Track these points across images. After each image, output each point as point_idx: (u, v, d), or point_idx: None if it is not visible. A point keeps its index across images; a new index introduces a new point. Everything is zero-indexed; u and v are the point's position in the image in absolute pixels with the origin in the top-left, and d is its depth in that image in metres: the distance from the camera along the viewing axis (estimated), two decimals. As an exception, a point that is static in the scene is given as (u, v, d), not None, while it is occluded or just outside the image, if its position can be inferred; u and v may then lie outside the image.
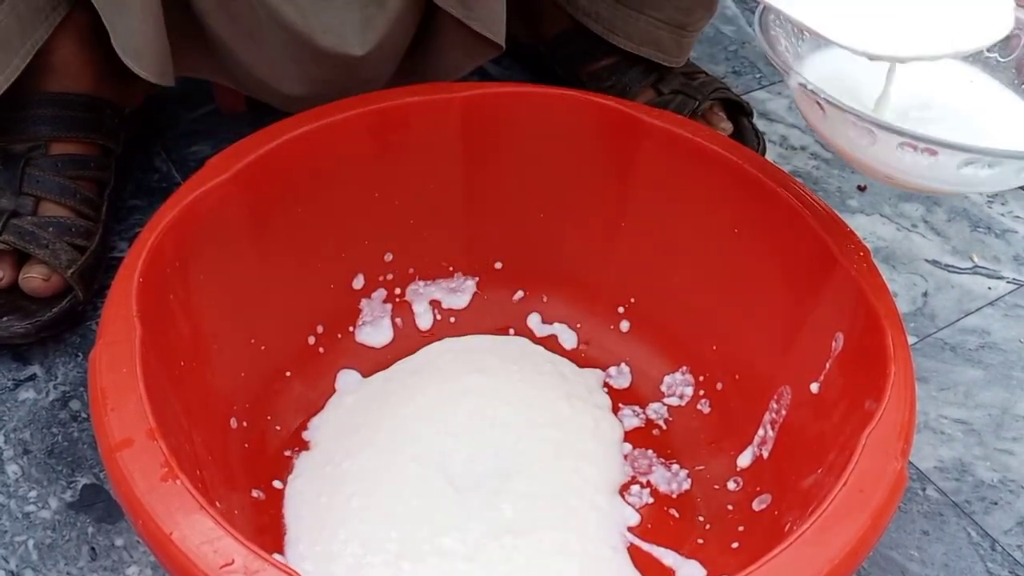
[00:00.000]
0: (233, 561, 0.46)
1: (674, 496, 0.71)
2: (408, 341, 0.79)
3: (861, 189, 0.99)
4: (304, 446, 0.72)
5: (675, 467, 0.72)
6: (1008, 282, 0.92)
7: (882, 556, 0.70)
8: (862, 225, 0.96)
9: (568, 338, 0.81)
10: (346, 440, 0.72)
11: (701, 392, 0.75)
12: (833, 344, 0.63)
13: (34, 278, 0.78)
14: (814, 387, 0.65)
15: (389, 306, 0.79)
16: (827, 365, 0.64)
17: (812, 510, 0.53)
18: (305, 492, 0.68)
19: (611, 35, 0.93)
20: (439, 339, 0.79)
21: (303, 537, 0.66)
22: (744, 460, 0.70)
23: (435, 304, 0.80)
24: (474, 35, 0.82)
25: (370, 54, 0.79)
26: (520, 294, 0.82)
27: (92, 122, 0.84)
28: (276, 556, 0.53)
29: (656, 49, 0.92)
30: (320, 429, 0.73)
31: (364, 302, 0.78)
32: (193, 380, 0.64)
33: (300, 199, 0.71)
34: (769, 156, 1.01)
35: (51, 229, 0.78)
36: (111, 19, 0.76)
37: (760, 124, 1.04)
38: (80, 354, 0.79)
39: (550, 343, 0.80)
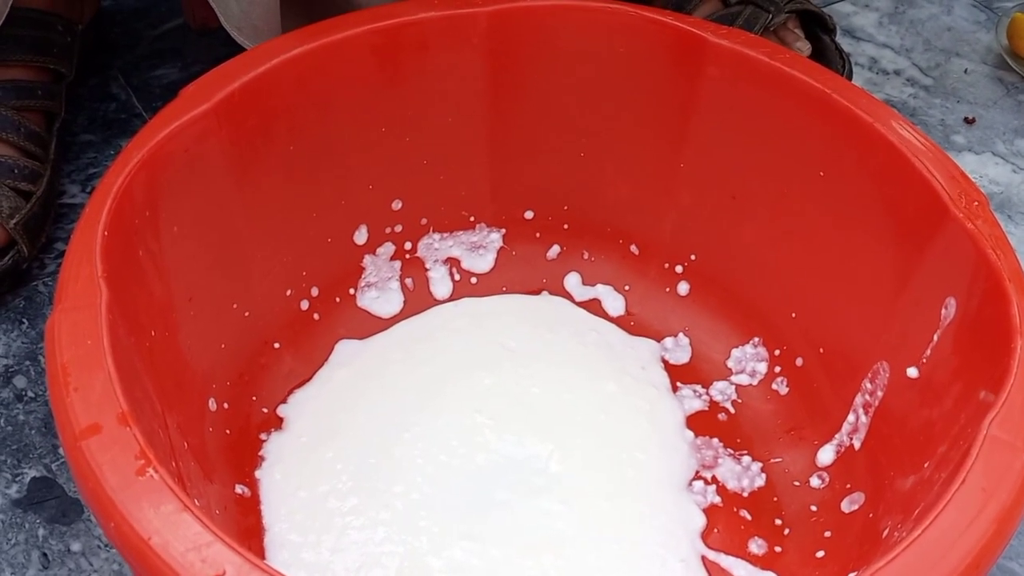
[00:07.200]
0: (225, 572, 0.46)
1: (745, 495, 0.71)
2: (420, 309, 0.79)
3: (969, 122, 0.99)
4: (278, 425, 0.72)
5: (746, 459, 0.72)
6: None
7: (1001, 569, 0.70)
8: (971, 166, 0.95)
9: (614, 303, 0.81)
10: (330, 420, 0.71)
11: (777, 368, 0.75)
12: (943, 312, 0.63)
13: (-32, 231, 0.78)
14: (914, 369, 0.64)
15: (398, 264, 0.79)
16: (935, 337, 0.63)
17: (919, 513, 0.53)
18: (284, 486, 0.68)
19: None
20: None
21: (285, 543, 0.65)
22: (830, 452, 0.70)
23: (453, 263, 0.81)
24: None
25: None
26: (556, 250, 0.82)
27: (41, 42, 0.84)
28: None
29: None
30: (301, 405, 0.73)
31: (368, 259, 0.78)
32: (166, 354, 0.64)
33: (292, 136, 0.71)
34: (856, 82, 1.00)
35: (-10, 171, 0.79)
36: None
37: (844, 43, 1.03)
38: (25, 320, 0.79)
39: (592, 309, 0.80)
